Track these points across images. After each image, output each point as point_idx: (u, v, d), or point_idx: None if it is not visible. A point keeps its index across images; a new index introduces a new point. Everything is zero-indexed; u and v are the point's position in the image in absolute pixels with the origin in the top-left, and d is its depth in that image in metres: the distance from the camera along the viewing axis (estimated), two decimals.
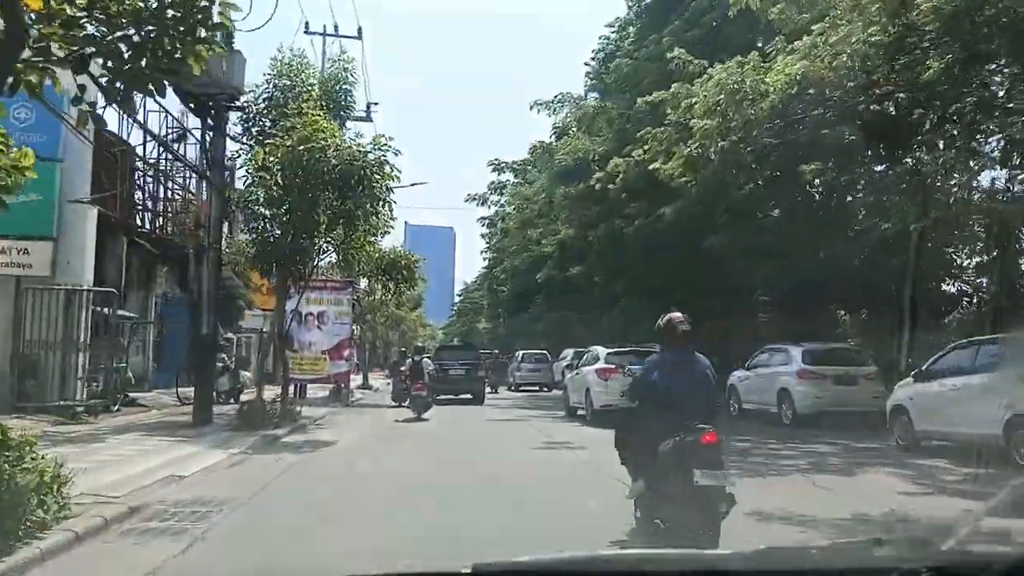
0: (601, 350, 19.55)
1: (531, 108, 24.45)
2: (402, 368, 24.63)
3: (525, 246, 45.19)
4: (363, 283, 32.22)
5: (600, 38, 30.28)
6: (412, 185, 28.51)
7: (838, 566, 2.24)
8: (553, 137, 28.77)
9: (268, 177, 15.18)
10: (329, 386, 25.64)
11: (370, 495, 8.87)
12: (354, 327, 30.26)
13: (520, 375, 37.51)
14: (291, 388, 24.71)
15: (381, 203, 15.81)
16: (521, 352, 40.53)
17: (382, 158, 15.44)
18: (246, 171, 16.22)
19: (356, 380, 37.20)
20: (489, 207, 33.04)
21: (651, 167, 17.42)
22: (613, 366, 17.77)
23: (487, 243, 68.31)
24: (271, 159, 15.11)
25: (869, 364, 18.46)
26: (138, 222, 21.78)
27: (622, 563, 2.34)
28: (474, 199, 32.10)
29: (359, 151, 15.31)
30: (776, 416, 17.71)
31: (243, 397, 22.00)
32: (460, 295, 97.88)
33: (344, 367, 25.10)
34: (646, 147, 18.00)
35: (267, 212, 15.69)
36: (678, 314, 6.85)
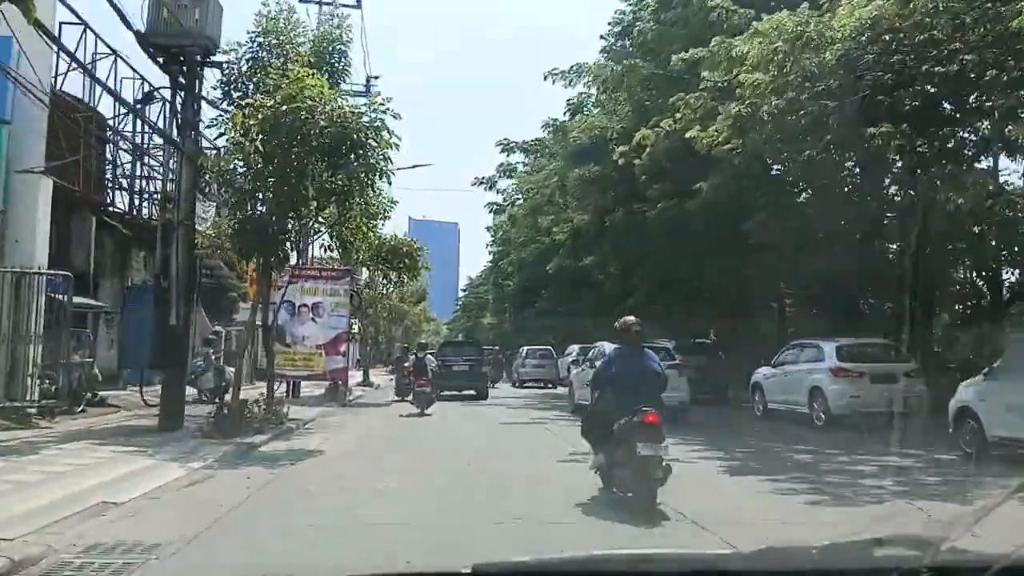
0: (608, 345, 18.56)
1: (545, 78, 22.22)
2: (405, 364, 24.84)
3: (533, 236, 42.96)
4: (364, 274, 30.13)
5: (615, 12, 27.98)
6: (414, 167, 26.29)
7: (838, 566, 2.22)
8: (567, 115, 26.44)
9: (247, 143, 12.94)
10: (325, 384, 23.44)
11: (357, 543, 6.65)
12: (353, 321, 28.12)
13: (525, 371, 36.23)
14: (282, 386, 22.58)
15: (378, 174, 13.57)
16: (525, 348, 38.96)
17: (379, 121, 13.21)
18: (226, 140, 13.97)
19: (356, 377, 35.07)
20: (497, 192, 30.36)
21: (687, 135, 15.19)
22: None
23: (493, 236, 66.18)
24: (251, 122, 12.91)
25: (909, 360, 16.63)
26: (109, 200, 19.48)
27: (622, 563, 2.26)
28: (481, 183, 29.54)
29: (352, 112, 13.06)
30: (807, 417, 16.05)
31: (229, 396, 19.93)
32: (465, 290, 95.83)
33: (341, 363, 22.92)
34: (678, 115, 15.79)
35: (246, 185, 13.43)
36: (632, 318, 8.51)
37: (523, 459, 11.60)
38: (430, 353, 23.48)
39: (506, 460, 11.49)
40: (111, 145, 18.84)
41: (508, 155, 27.69)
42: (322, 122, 12.60)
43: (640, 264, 27.22)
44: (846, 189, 20.45)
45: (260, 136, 12.89)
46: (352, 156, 13.07)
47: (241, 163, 13.17)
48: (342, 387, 23.64)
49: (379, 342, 60.77)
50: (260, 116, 12.82)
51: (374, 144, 13.18)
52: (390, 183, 13.51)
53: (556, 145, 26.78)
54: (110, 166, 19.18)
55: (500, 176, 28.50)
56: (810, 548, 2.33)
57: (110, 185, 19.56)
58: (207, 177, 14.59)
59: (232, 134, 13.29)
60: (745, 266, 23.39)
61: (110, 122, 18.76)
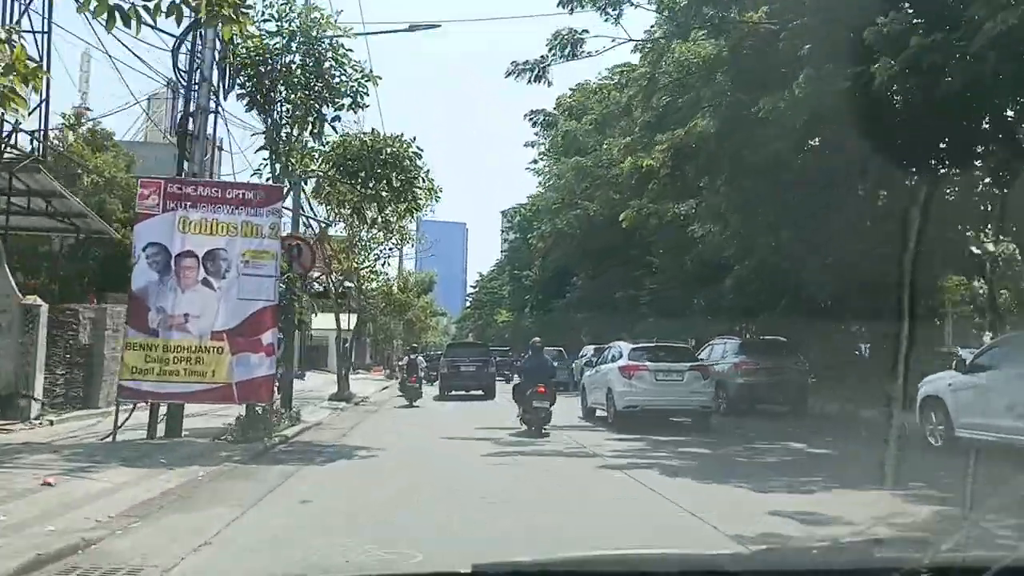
0: (624, 346, 16.08)
1: None
2: (400, 364, 26.32)
3: (572, 199, 31.29)
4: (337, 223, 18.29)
5: None
6: (411, 29, 14.55)
7: (838, 566, 2.09)
8: None
9: None
10: (238, 407, 11.64)
11: None
12: (300, 304, 16.34)
13: None
14: (127, 417, 10.68)
15: None
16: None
17: None
18: None
19: (327, 385, 23.38)
20: (548, 83, 16.91)
21: None
22: (638, 363, 14.66)
23: (510, 221, 54.69)
24: None
25: None
26: None
27: (621, 563, 2.13)
28: (523, 70, 16.27)
29: None
30: None
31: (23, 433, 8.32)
32: (475, 286, 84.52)
33: (263, 367, 11.08)
34: None
35: None
36: (537, 338, 15.58)
37: None
38: (420, 355, 24.94)
39: None
40: None
41: (572, 11, 15.31)
42: None
43: (778, 209, 15.72)
44: None
45: None
46: None
47: None
48: (272, 413, 11.87)
49: (378, 340, 49.22)
50: None
51: None
52: None
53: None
54: None
55: (556, 55, 15.64)
56: (810, 548, 2.35)
57: None
58: None
59: None
60: None
61: None
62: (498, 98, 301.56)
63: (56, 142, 22.14)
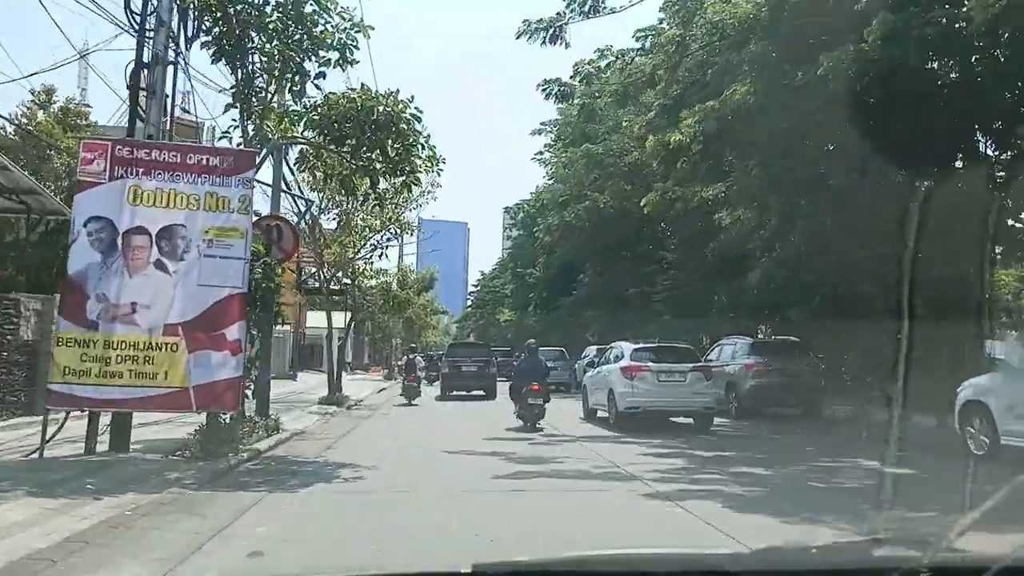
0: (626, 346, 15.57)
1: None
2: (399, 364, 28.48)
3: (579, 187, 29.35)
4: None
5: None
6: None
7: (838, 566, 2.04)
8: None
9: None
10: (197, 415, 9.68)
11: None
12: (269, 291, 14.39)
13: None
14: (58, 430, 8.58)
15: None
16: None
17: None
18: None
19: (320, 386, 21.46)
20: (564, 44, 14.50)
21: None
22: (640, 364, 14.32)
23: (513, 218, 52.59)
24: None
25: None
26: None
27: (621, 563, 2.07)
28: (536, 30, 14.07)
29: None
30: None
31: None
32: (476, 286, 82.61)
33: (227, 368, 9.11)
34: None
35: None
36: (532, 340, 17.45)
37: None
38: (418, 356, 24.98)
39: None
40: None
41: None
42: None
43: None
44: None
45: None
46: None
47: None
48: (243, 422, 9.93)
49: (376, 339, 47.31)
50: None
51: None
52: None
53: None
54: None
55: (574, 11, 13.33)
56: (810, 548, 2.17)
57: None
58: None
59: None
60: None
61: None
62: (499, 97, 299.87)
63: (23, 119, 20.32)
